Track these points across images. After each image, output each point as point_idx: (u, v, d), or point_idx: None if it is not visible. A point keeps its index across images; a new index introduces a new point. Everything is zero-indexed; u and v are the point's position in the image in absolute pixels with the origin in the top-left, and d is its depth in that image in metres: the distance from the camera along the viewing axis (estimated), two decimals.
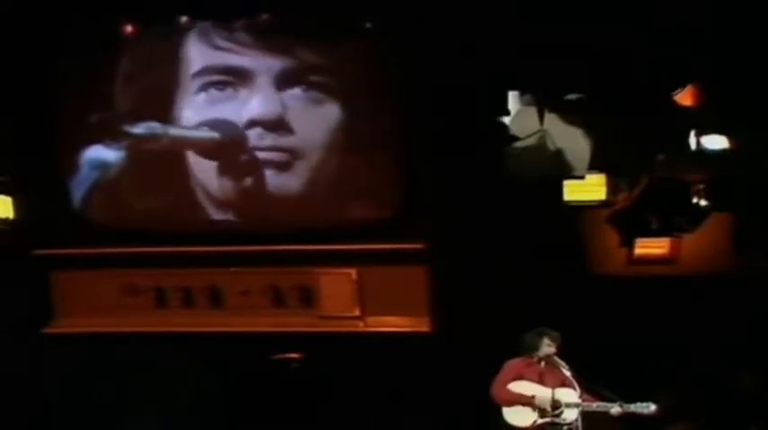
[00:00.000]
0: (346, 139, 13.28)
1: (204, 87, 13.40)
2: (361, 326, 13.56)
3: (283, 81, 13.25)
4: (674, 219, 13.08)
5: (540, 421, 10.79)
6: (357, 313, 13.55)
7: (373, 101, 13.14)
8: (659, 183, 12.94)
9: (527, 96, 13.19)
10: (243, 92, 13.32)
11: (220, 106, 13.38)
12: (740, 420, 12.59)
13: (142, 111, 13.46)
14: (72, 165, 13.66)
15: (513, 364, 11.04)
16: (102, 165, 13.56)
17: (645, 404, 10.69)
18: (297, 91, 13.27)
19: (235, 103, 13.36)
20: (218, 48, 13.33)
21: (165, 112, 13.46)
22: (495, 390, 10.92)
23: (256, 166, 13.39)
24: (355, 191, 13.40)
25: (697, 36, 12.26)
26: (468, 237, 13.12)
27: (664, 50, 12.38)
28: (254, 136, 13.36)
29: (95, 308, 13.87)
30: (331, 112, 13.28)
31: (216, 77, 13.38)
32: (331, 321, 13.57)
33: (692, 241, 13.23)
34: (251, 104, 13.33)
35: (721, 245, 13.19)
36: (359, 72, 13.17)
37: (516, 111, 13.25)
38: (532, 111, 13.15)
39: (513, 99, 13.25)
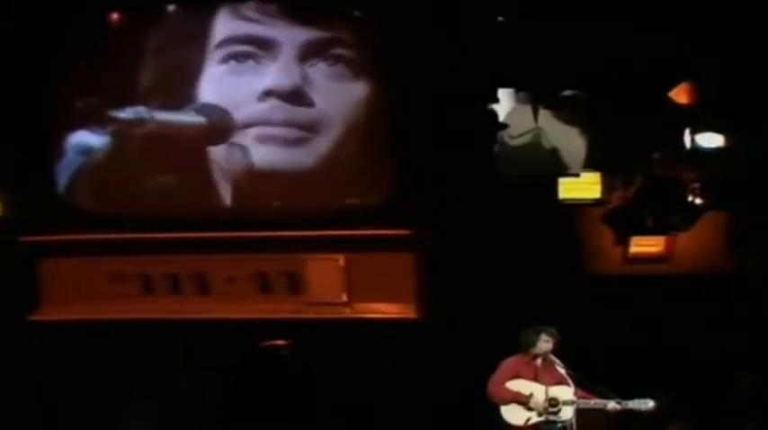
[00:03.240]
0: (364, 119, 13.23)
1: (226, 59, 13.40)
2: (348, 313, 13.51)
3: (307, 53, 13.20)
4: (669, 218, 13.05)
5: (535, 419, 10.74)
6: (344, 299, 13.50)
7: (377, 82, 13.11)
8: (654, 181, 12.91)
9: (522, 94, 13.17)
10: (265, 63, 13.28)
11: (239, 78, 13.34)
12: (736, 419, 12.58)
13: (164, 86, 13.40)
14: (57, 151, 13.60)
15: (510, 363, 10.97)
16: (87, 151, 13.52)
17: (642, 400, 10.66)
18: (320, 65, 13.23)
19: (254, 74, 13.33)
20: (245, 19, 13.31)
21: (184, 87, 13.42)
22: (493, 389, 10.86)
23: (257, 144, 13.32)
24: (353, 175, 13.37)
25: (692, 34, 12.28)
26: (456, 226, 13.13)
27: (659, 49, 12.38)
28: (266, 110, 13.28)
29: (82, 295, 13.79)
30: (355, 89, 13.27)
31: (238, 48, 13.36)
32: (318, 308, 13.50)
33: (687, 239, 13.23)
34: (269, 74, 13.27)
35: (716, 243, 13.21)
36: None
37: (511, 109, 13.21)
38: (527, 110, 13.13)
39: (507, 96, 13.22)
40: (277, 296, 13.59)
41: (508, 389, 10.78)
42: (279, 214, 13.45)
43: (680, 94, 12.69)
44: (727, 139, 12.67)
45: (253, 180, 13.49)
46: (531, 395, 10.71)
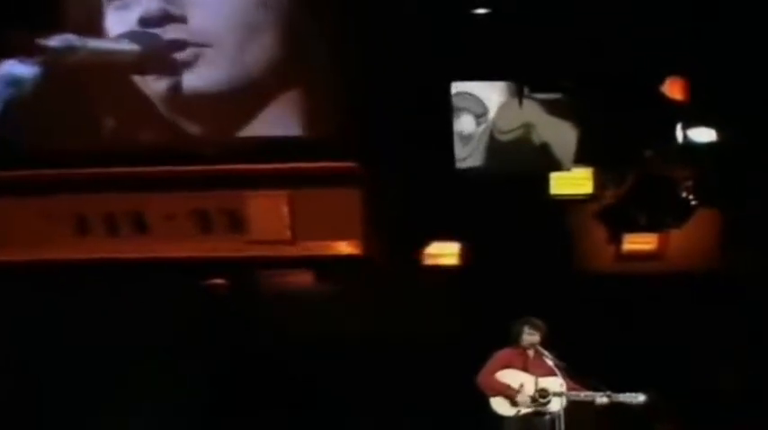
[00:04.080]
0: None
1: None
2: (292, 251, 13.08)
3: None
4: (662, 215, 13.02)
5: (524, 411, 10.68)
6: (288, 237, 13.02)
7: None
8: (647, 177, 12.87)
9: (512, 88, 12.96)
10: None
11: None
12: (726, 418, 12.64)
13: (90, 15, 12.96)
14: None
15: (501, 353, 10.89)
16: (16, 82, 12.98)
17: (633, 394, 10.62)
18: None
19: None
20: None
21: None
22: (483, 379, 10.78)
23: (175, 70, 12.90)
24: (294, 104, 12.96)
25: (685, 28, 12.20)
26: (405, 159, 12.75)
27: (650, 43, 12.25)
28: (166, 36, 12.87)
29: (11, 236, 13.20)
30: None
31: None
32: (261, 246, 13.09)
33: (680, 237, 13.18)
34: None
35: (709, 241, 13.18)
36: None
37: (501, 105, 13.00)
38: (516, 104, 12.93)
39: (497, 91, 12.98)
40: (218, 235, 13.13)
41: (498, 381, 10.73)
42: (218, 148, 13.03)
43: (673, 90, 12.60)
44: (719, 135, 12.63)
45: (187, 111, 13.03)
46: (521, 386, 10.68)
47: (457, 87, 12.87)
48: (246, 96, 13.01)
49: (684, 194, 12.87)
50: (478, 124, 13.07)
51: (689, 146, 12.71)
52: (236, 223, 13.08)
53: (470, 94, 12.96)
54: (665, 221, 13.06)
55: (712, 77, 12.33)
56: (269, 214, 13.03)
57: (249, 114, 13.03)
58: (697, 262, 13.13)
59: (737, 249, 13.03)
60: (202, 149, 13.02)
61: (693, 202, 12.91)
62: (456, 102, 12.91)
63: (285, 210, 13.01)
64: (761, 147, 12.48)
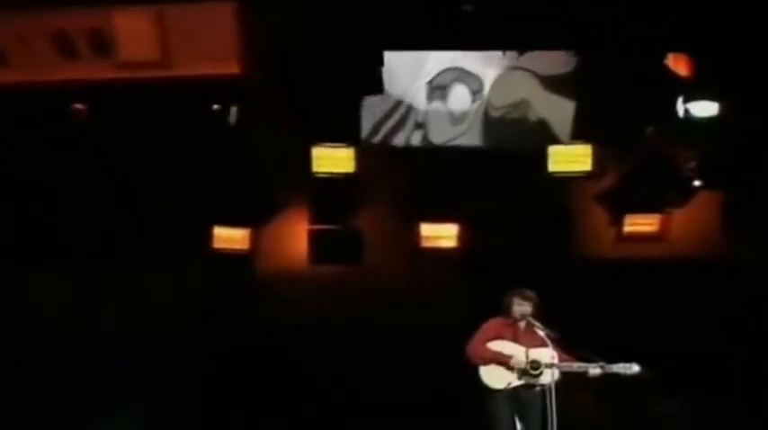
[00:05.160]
0: None
1: None
2: (164, 72, 12.09)
3: None
4: (664, 194, 12.83)
5: (514, 383, 10.39)
6: (159, 58, 12.05)
7: None
8: (649, 156, 12.63)
9: (506, 60, 12.73)
10: None
11: None
12: (728, 398, 12.46)
13: None
14: None
15: (491, 324, 10.61)
16: None
17: (627, 364, 10.30)
18: None
19: None
20: None
21: None
22: (473, 348, 10.47)
23: None
24: None
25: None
26: None
27: (653, 16, 11.81)
28: None
29: None
30: None
31: None
32: (130, 69, 12.07)
33: (682, 218, 12.96)
34: None
35: (712, 222, 12.96)
36: None
37: (495, 78, 12.84)
38: (512, 77, 12.75)
39: (493, 62, 12.75)
40: (82, 59, 12.04)
41: (489, 349, 10.44)
42: None
43: (676, 65, 12.21)
44: (723, 112, 12.26)
45: None
46: (512, 357, 10.37)
47: (452, 62, 12.68)
48: None
49: (688, 173, 12.57)
50: (474, 101, 12.91)
51: (693, 123, 12.30)
52: (102, 45, 12.07)
53: (465, 70, 12.79)
54: (666, 200, 12.83)
55: (717, 53, 11.88)
56: (137, 33, 12.01)
57: None
58: (699, 243, 12.90)
59: (742, 231, 12.74)
60: None
61: (697, 182, 12.61)
62: (450, 77, 12.76)
63: (154, 29, 11.99)
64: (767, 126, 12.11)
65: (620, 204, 13.11)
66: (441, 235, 13.35)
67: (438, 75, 13.11)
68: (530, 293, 10.50)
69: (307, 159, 12.81)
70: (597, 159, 12.77)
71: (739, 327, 12.71)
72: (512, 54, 12.87)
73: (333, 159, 12.88)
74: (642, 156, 12.73)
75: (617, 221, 13.19)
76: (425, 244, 13.33)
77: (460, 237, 13.31)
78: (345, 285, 13.35)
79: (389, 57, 12.72)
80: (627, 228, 13.15)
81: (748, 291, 12.72)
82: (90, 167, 12.93)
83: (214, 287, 13.32)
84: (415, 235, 13.37)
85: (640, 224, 13.15)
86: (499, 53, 12.83)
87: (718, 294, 12.74)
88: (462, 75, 12.99)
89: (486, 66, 12.90)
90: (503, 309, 10.56)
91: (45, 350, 12.98)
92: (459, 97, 13.07)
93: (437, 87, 13.16)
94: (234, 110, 12.52)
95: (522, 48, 12.66)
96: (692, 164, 12.63)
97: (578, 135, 12.75)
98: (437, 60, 13.05)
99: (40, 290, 13.10)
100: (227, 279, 13.39)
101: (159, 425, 12.71)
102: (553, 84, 12.82)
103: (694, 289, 12.72)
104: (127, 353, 12.79)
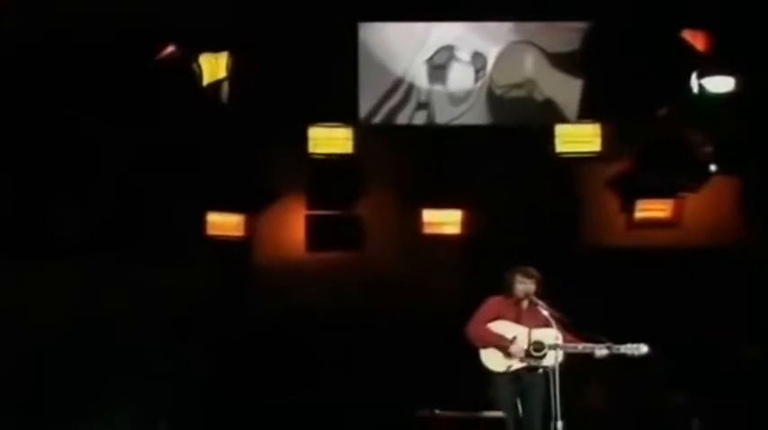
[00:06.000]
0: None
1: None
2: None
3: None
4: (677, 178, 12.37)
5: (516, 365, 9.96)
6: None
7: None
8: (661, 137, 12.19)
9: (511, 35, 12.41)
10: None
11: None
12: (743, 387, 12.03)
13: None
14: None
15: (491, 302, 10.19)
16: None
17: (635, 345, 9.86)
18: None
19: None
20: None
21: None
22: (473, 329, 10.02)
23: None
24: None
25: None
26: None
27: None
28: None
29: None
30: None
31: None
32: None
33: (697, 203, 12.50)
34: None
35: (727, 207, 12.52)
36: None
37: (498, 54, 12.51)
38: (516, 53, 12.43)
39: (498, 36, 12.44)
40: None
41: (490, 331, 9.99)
42: None
43: (690, 38, 11.93)
44: (739, 88, 11.91)
45: None
46: (515, 338, 9.91)
47: (454, 39, 12.39)
48: None
49: (703, 156, 12.11)
50: (477, 79, 12.56)
51: (708, 101, 11.93)
52: None
53: (468, 47, 12.49)
54: (680, 184, 12.33)
55: (734, 25, 11.58)
56: None
57: None
58: (713, 230, 12.42)
59: (759, 217, 12.27)
60: None
61: (712, 165, 12.14)
62: (450, 54, 12.47)
63: None
64: None
65: (632, 188, 12.58)
66: (444, 221, 12.85)
67: (438, 51, 12.69)
68: (533, 271, 10.06)
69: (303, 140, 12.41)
70: (607, 140, 12.32)
71: (755, 316, 12.20)
72: (518, 28, 12.44)
73: (330, 139, 12.44)
74: (654, 138, 12.24)
75: (628, 207, 12.66)
76: (428, 230, 12.82)
77: (464, 224, 12.78)
78: (344, 273, 12.83)
79: (390, 33, 12.32)
80: (638, 214, 12.63)
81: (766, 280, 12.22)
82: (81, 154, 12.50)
83: (207, 275, 12.83)
84: (418, 221, 12.86)
85: (653, 209, 12.61)
86: (504, 27, 12.41)
87: (734, 283, 12.23)
88: (465, 51, 12.59)
89: (490, 43, 12.51)
90: (504, 287, 10.11)
91: (39, 345, 12.53)
92: (462, 75, 12.63)
93: (438, 66, 12.72)
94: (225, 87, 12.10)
95: (530, 19, 12.27)
96: (708, 145, 12.15)
97: (586, 114, 12.33)
98: (438, 37, 12.64)
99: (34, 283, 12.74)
100: (221, 266, 12.91)
101: (155, 413, 12.31)
102: (560, 61, 12.43)
103: (709, 278, 12.20)
104: (121, 340, 12.39)
